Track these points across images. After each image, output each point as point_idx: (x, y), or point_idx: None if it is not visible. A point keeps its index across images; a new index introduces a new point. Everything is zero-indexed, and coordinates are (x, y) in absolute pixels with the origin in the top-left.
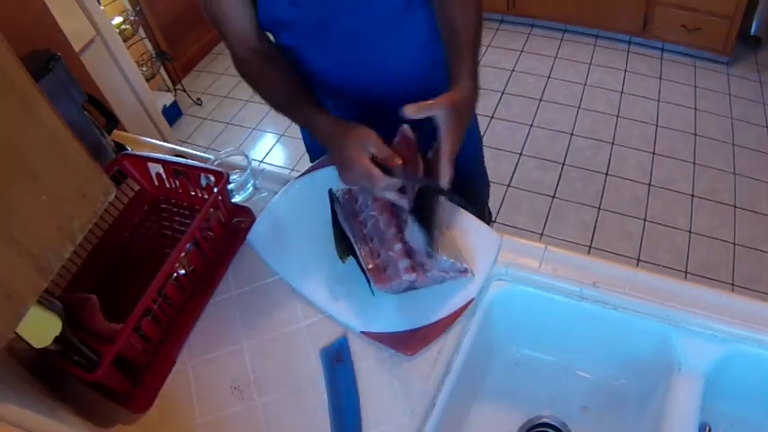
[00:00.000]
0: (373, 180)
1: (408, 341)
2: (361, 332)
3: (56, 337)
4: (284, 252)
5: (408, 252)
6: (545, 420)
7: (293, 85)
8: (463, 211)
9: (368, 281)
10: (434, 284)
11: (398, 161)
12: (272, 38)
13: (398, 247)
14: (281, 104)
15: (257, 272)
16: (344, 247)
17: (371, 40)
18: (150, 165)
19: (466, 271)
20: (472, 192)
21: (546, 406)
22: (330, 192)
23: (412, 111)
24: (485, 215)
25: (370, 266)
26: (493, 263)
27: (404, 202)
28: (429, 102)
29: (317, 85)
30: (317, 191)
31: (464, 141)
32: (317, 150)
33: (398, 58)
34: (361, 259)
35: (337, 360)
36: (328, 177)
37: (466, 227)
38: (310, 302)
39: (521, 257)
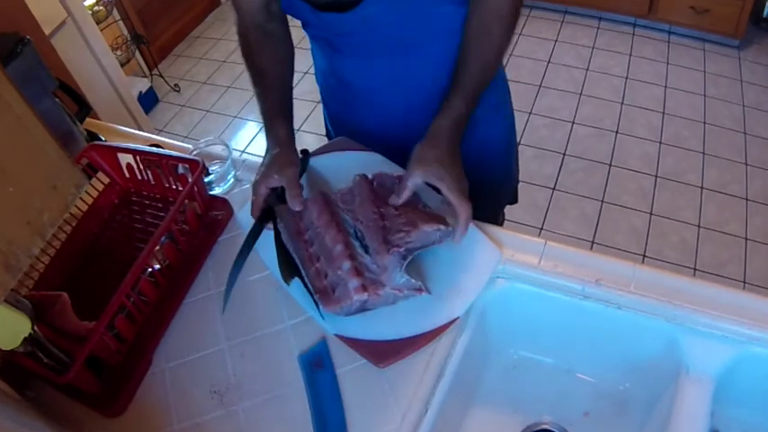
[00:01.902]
0: (252, 203)
1: (381, 352)
2: (335, 334)
3: (25, 338)
4: (271, 237)
5: (358, 270)
6: (545, 427)
7: (277, 76)
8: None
9: (316, 304)
10: (387, 304)
11: (296, 204)
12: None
13: (347, 265)
14: (257, 86)
15: None
16: (289, 268)
17: (394, 53)
18: (121, 155)
19: (420, 289)
20: (488, 189)
21: (546, 411)
22: (272, 209)
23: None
24: (498, 220)
25: (318, 288)
26: (488, 280)
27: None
28: (404, 185)
29: (333, 77)
30: (319, 176)
31: (485, 131)
32: (338, 129)
33: (421, 72)
34: (307, 281)
35: (317, 365)
36: (334, 162)
37: (466, 238)
38: (292, 298)
39: (519, 253)
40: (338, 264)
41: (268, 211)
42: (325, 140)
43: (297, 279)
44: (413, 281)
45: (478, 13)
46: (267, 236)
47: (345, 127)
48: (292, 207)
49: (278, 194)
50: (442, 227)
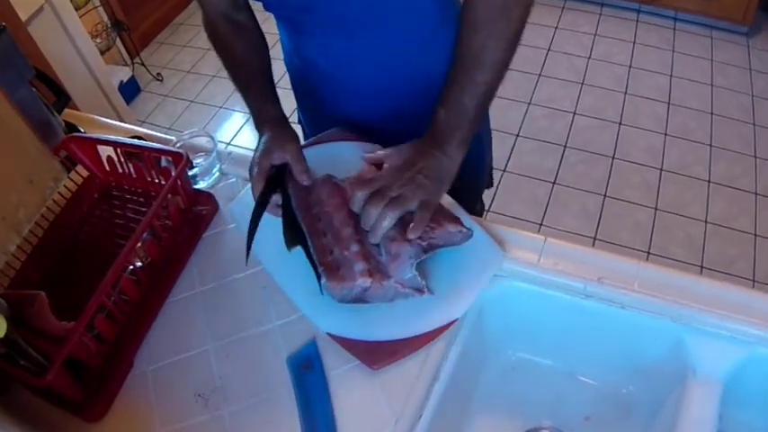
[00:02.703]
0: (253, 183)
1: (374, 353)
2: (327, 333)
3: (0, 339)
4: (266, 229)
5: (366, 255)
6: None
7: (255, 63)
8: (464, 212)
9: (318, 277)
10: (385, 300)
11: (305, 178)
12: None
13: (355, 248)
14: (237, 78)
15: (224, 266)
16: (294, 235)
17: (359, 26)
18: (100, 147)
19: (423, 290)
20: (462, 178)
21: (545, 416)
22: (283, 173)
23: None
24: (476, 209)
25: (322, 262)
26: (488, 281)
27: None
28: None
29: (297, 57)
30: (321, 166)
31: None
32: (306, 114)
33: (391, 47)
34: (312, 251)
35: (306, 367)
36: (328, 154)
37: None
38: (282, 292)
39: (517, 250)
40: (346, 244)
41: (272, 184)
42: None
43: (299, 250)
44: (418, 278)
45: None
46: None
47: (312, 111)
48: (301, 182)
49: (277, 174)
50: (463, 229)
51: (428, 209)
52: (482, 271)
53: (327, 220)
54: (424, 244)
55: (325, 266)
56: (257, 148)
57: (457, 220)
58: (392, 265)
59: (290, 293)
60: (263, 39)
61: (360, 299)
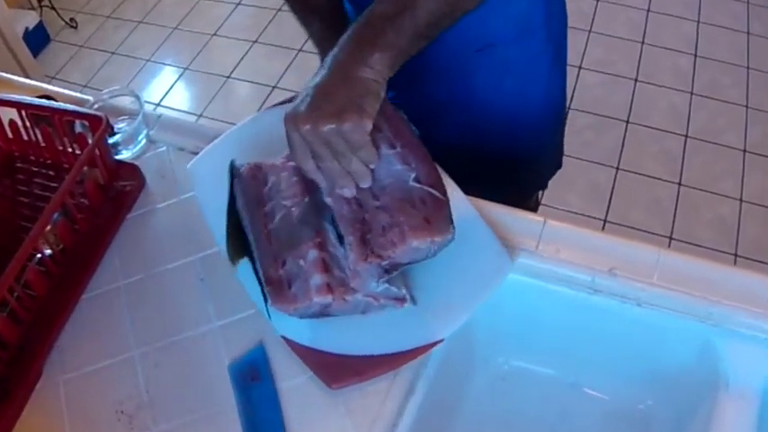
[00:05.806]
0: (365, 149)
1: (335, 368)
2: (282, 336)
3: None
4: (221, 198)
5: (326, 264)
6: None
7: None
8: (463, 199)
9: (264, 298)
10: (356, 313)
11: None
12: None
13: (313, 254)
14: (298, 14)
15: (152, 254)
16: (238, 245)
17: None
18: (1, 109)
19: (403, 299)
20: (523, 168)
21: None
22: (232, 165)
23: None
24: (529, 204)
25: (271, 278)
26: (488, 297)
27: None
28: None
29: None
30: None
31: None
32: None
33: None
34: (258, 266)
35: (252, 378)
36: None
37: (471, 236)
38: (239, 282)
39: (511, 235)
40: (302, 251)
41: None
42: (262, 90)
43: (246, 261)
44: (393, 289)
45: None
46: (222, 186)
47: None
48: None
49: None
50: (436, 239)
51: (357, 142)
52: (481, 285)
53: (284, 217)
54: (384, 263)
55: (274, 284)
56: (350, 82)
57: (429, 225)
58: (354, 281)
59: (244, 281)
60: None
61: (323, 314)
